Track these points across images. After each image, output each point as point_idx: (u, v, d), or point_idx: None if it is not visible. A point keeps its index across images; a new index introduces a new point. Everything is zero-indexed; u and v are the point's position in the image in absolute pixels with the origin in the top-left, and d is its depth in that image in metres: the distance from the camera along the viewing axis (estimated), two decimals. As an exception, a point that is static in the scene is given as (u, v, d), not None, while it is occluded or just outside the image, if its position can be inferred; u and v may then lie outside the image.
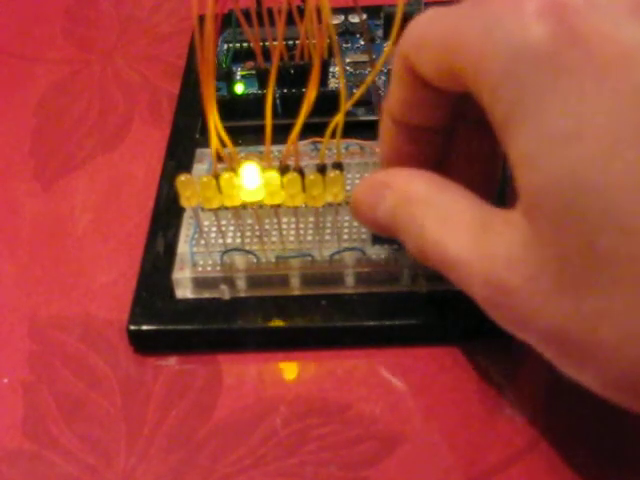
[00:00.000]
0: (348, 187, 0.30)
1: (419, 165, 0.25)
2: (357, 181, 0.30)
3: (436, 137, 0.25)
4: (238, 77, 0.35)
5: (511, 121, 0.20)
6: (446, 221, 0.23)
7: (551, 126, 0.19)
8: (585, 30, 0.19)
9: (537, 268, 0.20)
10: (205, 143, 0.31)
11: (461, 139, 0.26)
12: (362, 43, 0.36)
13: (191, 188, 0.27)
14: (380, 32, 0.36)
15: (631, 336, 0.19)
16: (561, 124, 0.19)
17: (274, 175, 0.26)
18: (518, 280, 0.20)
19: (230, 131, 0.27)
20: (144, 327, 0.28)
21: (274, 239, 0.29)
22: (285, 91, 0.33)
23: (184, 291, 0.29)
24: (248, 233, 0.29)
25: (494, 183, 0.27)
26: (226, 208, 0.28)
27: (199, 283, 0.29)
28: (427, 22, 0.23)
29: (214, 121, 0.26)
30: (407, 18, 0.24)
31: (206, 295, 0.29)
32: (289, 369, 0.28)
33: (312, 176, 0.26)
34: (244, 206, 0.28)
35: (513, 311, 0.21)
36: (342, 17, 0.36)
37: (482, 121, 0.22)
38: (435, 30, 0.22)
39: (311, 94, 0.26)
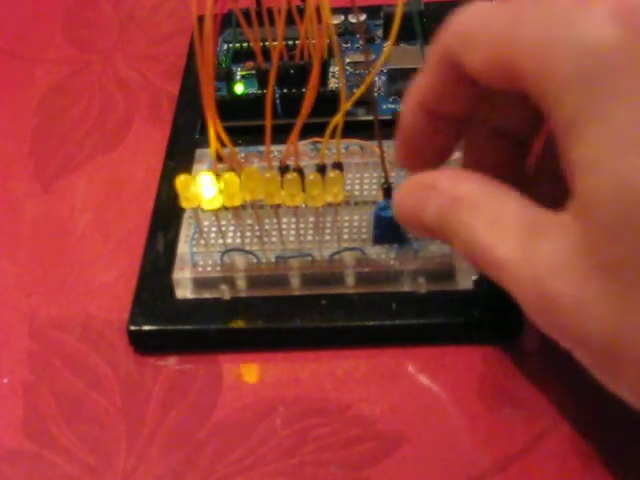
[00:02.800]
0: (348, 187, 0.30)
1: (435, 158, 0.25)
2: (357, 181, 0.30)
3: (457, 127, 0.25)
4: (238, 77, 0.35)
5: (575, 124, 0.20)
6: (494, 223, 0.22)
7: (617, 132, 0.19)
8: None
9: (585, 275, 0.20)
10: (205, 143, 0.31)
11: (474, 147, 0.25)
12: (362, 43, 0.36)
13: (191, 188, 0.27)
14: (380, 32, 0.36)
15: None
16: (627, 131, 0.19)
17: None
18: (565, 286, 0.20)
19: (230, 131, 0.27)
20: (144, 327, 0.28)
21: (274, 239, 0.29)
22: (285, 91, 0.33)
23: (184, 291, 0.29)
24: (248, 233, 0.29)
25: None
26: (226, 208, 0.28)
27: (199, 283, 0.29)
28: (477, 17, 0.22)
29: (214, 121, 0.26)
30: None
31: (206, 295, 0.29)
32: (289, 369, 0.28)
33: (312, 176, 0.26)
34: (244, 206, 0.28)
35: (557, 317, 0.21)
36: (342, 17, 0.36)
37: (499, 129, 0.22)
38: (489, 27, 0.22)
39: (311, 94, 0.26)
